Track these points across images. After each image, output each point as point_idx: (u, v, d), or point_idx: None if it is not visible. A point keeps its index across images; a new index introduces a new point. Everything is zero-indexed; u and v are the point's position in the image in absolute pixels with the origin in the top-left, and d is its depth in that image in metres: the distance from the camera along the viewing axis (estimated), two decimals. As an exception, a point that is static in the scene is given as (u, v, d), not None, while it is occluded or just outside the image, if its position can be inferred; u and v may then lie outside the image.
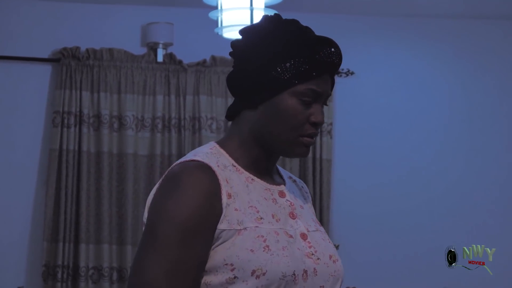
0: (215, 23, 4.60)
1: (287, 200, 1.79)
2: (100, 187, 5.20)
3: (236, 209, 1.68)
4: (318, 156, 5.36)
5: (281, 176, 1.87)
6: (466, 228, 5.46)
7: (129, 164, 5.23)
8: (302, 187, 1.94)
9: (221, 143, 1.80)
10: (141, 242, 1.66)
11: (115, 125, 5.25)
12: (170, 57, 5.34)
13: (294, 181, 1.92)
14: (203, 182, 1.66)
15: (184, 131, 5.30)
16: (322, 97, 1.75)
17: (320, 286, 1.72)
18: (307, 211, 1.85)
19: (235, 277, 1.64)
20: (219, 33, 4.59)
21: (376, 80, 5.54)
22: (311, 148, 5.72)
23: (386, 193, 5.48)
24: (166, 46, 5.33)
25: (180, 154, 5.27)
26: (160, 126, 5.28)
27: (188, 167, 1.69)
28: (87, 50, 5.27)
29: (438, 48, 5.58)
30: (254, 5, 4.35)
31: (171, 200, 1.65)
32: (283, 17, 1.83)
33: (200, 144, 5.26)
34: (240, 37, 1.82)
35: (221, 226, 1.66)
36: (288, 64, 1.72)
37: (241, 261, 1.64)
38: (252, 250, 1.65)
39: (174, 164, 1.74)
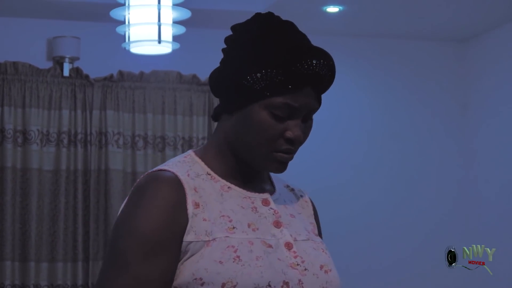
0: (122, 38, 4.58)
1: (270, 208, 1.66)
2: (3, 203, 5.09)
3: (204, 219, 1.57)
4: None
5: (272, 184, 1.74)
6: (391, 238, 5.58)
7: (33, 179, 5.13)
8: (301, 196, 1.79)
9: (199, 151, 1.68)
10: (103, 259, 1.58)
11: (19, 140, 5.16)
12: (76, 71, 5.28)
13: (292, 189, 1.79)
14: (165, 193, 1.56)
15: (90, 146, 5.24)
16: (300, 112, 1.59)
17: None
18: (300, 220, 1.71)
19: None
20: (127, 48, 4.57)
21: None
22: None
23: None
24: (72, 60, 5.27)
25: (86, 170, 5.21)
26: (66, 141, 5.21)
27: (152, 178, 1.59)
28: (-10, 63, 5.17)
29: (355, 65, 5.69)
30: (162, 21, 4.34)
31: (131, 213, 1.56)
32: (272, 19, 1.66)
33: (106, 160, 5.22)
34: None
35: (187, 237, 1.55)
36: (258, 75, 1.57)
37: (210, 274, 1.52)
38: (221, 262, 1.53)
39: (142, 175, 1.63)
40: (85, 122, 5.26)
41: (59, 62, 5.27)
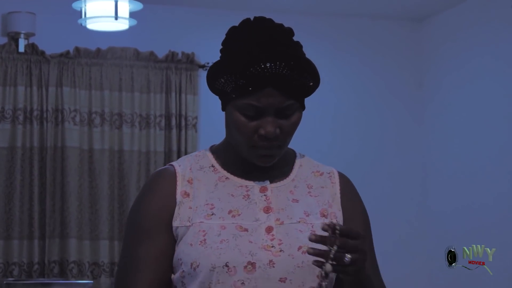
0: (78, 13, 4.54)
1: (264, 195, 1.79)
2: (-43, 180, 5.05)
3: (190, 207, 1.77)
4: (183, 149, 5.37)
5: (291, 170, 1.85)
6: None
7: (-12, 156, 5.10)
8: (329, 178, 1.88)
9: (215, 145, 1.88)
10: None
11: (-26, 117, 5.11)
12: (32, 47, 5.22)
13: (321, 174, 1.88)
14: (157, 185, 1.81)
15: (46, 123, 5.20)
16: (268, 110, 1.72)
17: (280, 278, 1.71)
18: (306, 204, 1.82)
19: (183, 271, 1.74)
20: (83, 24, 4.54)
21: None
22: (175, 141, 5.70)
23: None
24: (28, 36, 5.21)
25: (43, 147, 5.18)
26: (21, 118, 5.17)
27: (152, 174, 1.88)
28: None
29: (313, 44, 5.70)
30: (119, -3, 4.32)
31: (133, 205, 1.84)
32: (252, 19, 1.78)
33: (63, 137, 5.19)
34: None
35: (174, 223, 1.77)
36: (222, 80, 1.74)
37: (184, 255, 1.74)
38: (191, 244, 1.73)
39: None
40: (41, 99, 5.22)
41: (14, 38, 5.21)
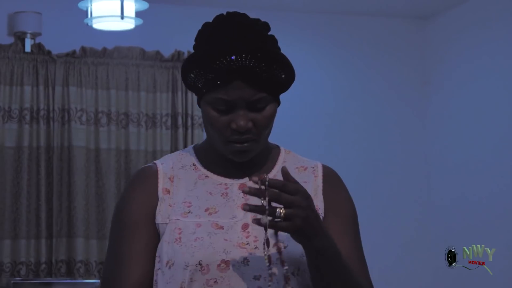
0: (85, 13, 4.55)
1: (241, 192, 1.77)
2: (-36, 180, 5.06)
3: (170, 205, 1.78)
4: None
5: (273, 166, 1.84)
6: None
7: (-5, 156, 5.11)
8: (313, 173, 1.85)
9: (199, 144, 1.89)
10: None
11: (-19, 117, 5.12)
12: (38, 47, 5.23)
13: (305, 169, 1.85)
14: (139, 182, 1.81)
15: (53, 122, 5.21)
16: (238, 104, 1.72)
17: (255, 276, 1.70)
18: None
19: (159, 269, 1.76)
20: (89, 24, 4.55)
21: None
22: (181, 141, 5.69)
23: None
24: (34, 36, 5.22)
25: (49, 146, 5.19)
26: (28, 117, 5.18)
27: (135, 172, 1.88)
28: (-50, 38, 5.11)
29: (316, 42, 5.70)
30: (124, -4, 4.33)
31: (117, 203, 1.85)
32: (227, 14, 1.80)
33: (69, 137, 5.20)
34: None
35: (157, 220, 1.77)
36: (192, 75, 1.75)
37: (162, 253, 1.75)
38: (167, 242, 1.74)
39: None
40: (48, 99, 5.23)
41: (20, 38, 5.22)
